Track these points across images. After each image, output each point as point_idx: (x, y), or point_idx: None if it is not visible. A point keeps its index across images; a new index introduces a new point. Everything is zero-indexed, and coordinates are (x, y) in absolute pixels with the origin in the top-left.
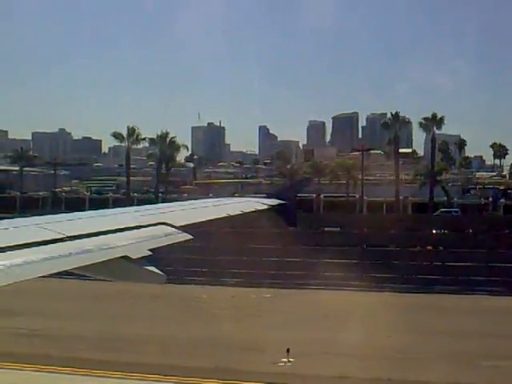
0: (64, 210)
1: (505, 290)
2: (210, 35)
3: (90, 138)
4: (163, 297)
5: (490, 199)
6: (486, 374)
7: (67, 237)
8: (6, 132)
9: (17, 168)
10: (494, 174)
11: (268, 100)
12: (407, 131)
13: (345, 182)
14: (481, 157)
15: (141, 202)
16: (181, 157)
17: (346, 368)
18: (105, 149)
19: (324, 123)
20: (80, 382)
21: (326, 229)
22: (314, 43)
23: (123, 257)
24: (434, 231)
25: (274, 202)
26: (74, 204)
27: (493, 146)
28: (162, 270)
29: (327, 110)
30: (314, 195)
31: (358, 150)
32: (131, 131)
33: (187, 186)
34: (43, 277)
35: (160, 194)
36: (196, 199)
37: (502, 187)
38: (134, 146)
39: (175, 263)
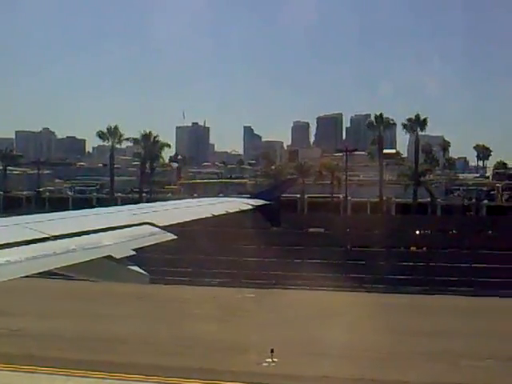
0: (48, 209)
1: (484, 290)
2: (195, 34)
3: (74, 138)
4: (146, 297)
5: (474, 200)
6: (465, 373)
7: (51, 236)
8: None
9: (0, 167)
10: (477, 175)
11: (252, 100)
12: (391, 132)
13: (329, 182)
14: (464, 158)
15: (125, 202)
16: (165, 157)
17: (329, 368)
18: (89, 148)
19: (308, 124)
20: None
21: (310, 229)
22: (299, 44)
23: (107, 256)
24: (417, 232)
25: (259, 202)
26: (58, 204)
27: (476, 147)
28: (144, 270)
29: (311, 110)
30: (299, 195)
31: (342, 151)
32: (113, 130)
33: (172, 186)
34: (27, 276)
35: (144, 194)
36: (180, 199)
37: (485, 188)
38: (119, 146)
39: (158, 263)
